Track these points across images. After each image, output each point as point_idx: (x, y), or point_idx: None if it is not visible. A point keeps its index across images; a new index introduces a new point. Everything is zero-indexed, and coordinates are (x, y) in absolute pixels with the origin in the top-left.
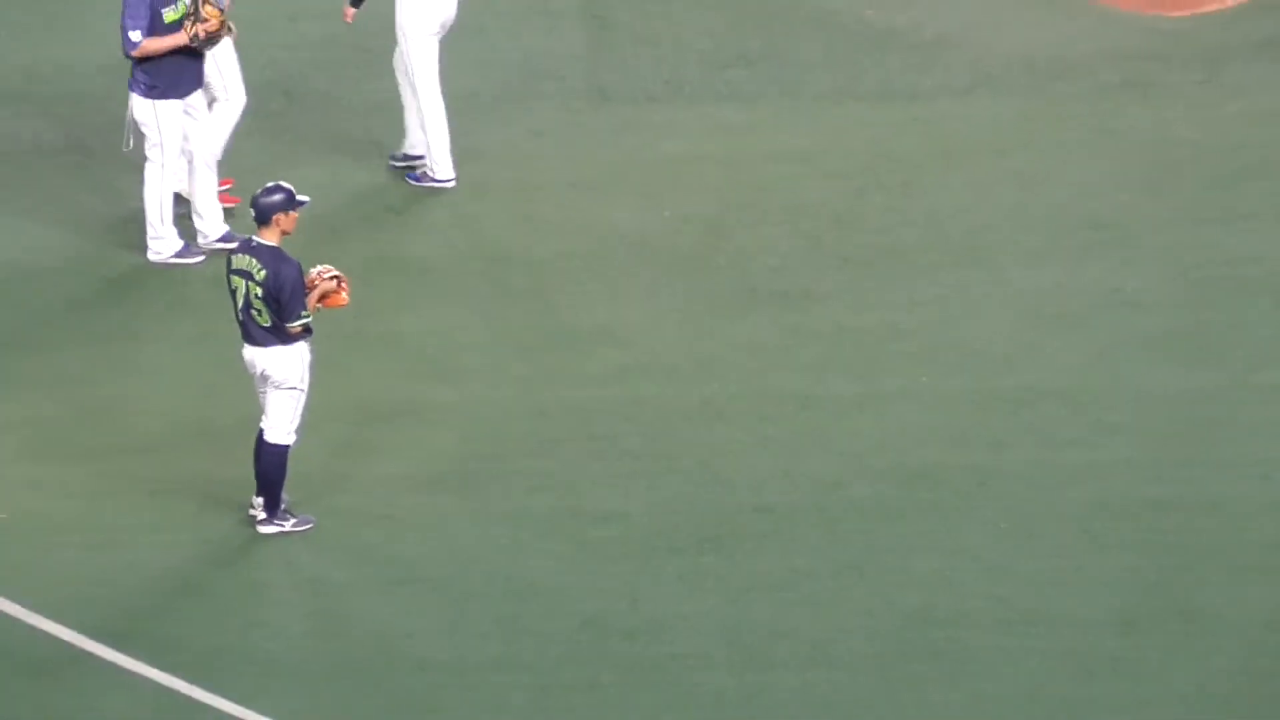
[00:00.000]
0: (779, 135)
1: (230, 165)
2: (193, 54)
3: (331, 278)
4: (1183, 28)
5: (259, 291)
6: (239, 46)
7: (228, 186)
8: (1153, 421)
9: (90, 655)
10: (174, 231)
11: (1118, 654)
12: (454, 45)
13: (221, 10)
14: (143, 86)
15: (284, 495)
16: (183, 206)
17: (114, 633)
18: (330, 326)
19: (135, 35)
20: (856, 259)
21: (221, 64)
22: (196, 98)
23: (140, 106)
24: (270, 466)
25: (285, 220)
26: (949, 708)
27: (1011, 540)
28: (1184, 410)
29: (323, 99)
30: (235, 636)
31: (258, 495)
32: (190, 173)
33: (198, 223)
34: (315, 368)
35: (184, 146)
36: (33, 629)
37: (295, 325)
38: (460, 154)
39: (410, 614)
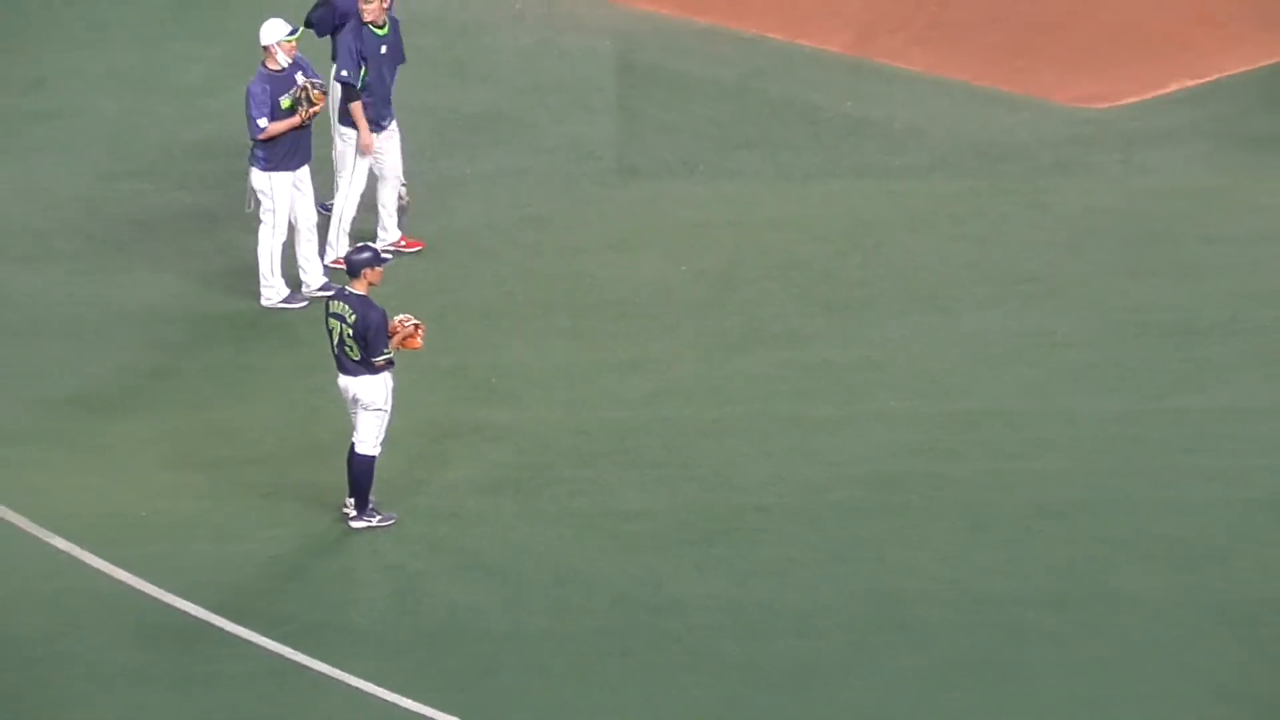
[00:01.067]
0: (775, 206)
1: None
2: (299, 134)
3: (412, 325)
4: (1103, 118)
5: (350, 331)
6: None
7: (418, 248)
8: (1080, 439)
9: (214, 627)
10: (282, 281)
11: (1051, 628)
12: (511, 133)
13: (325, 93)
14: (262, 161)
15: (371, 497)
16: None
17: (233, 609)
18: (410, 360)
19: (262, 122)
20: (838, 306)
21: (379, 164)
22: (304, 172)
23: (258, 178)
24: (360, 473)
25: (372, 274)
26: (914, 671)
27: (965, 534)
28: (1105, 430)
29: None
30: (331, 612)
31: (350, 497)
32: (296, 233)
33: (302, 275)
34: (397, 393)
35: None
36: (168, 606)
37: (379, 360)
38: (519, 220)
39: (474, 594)
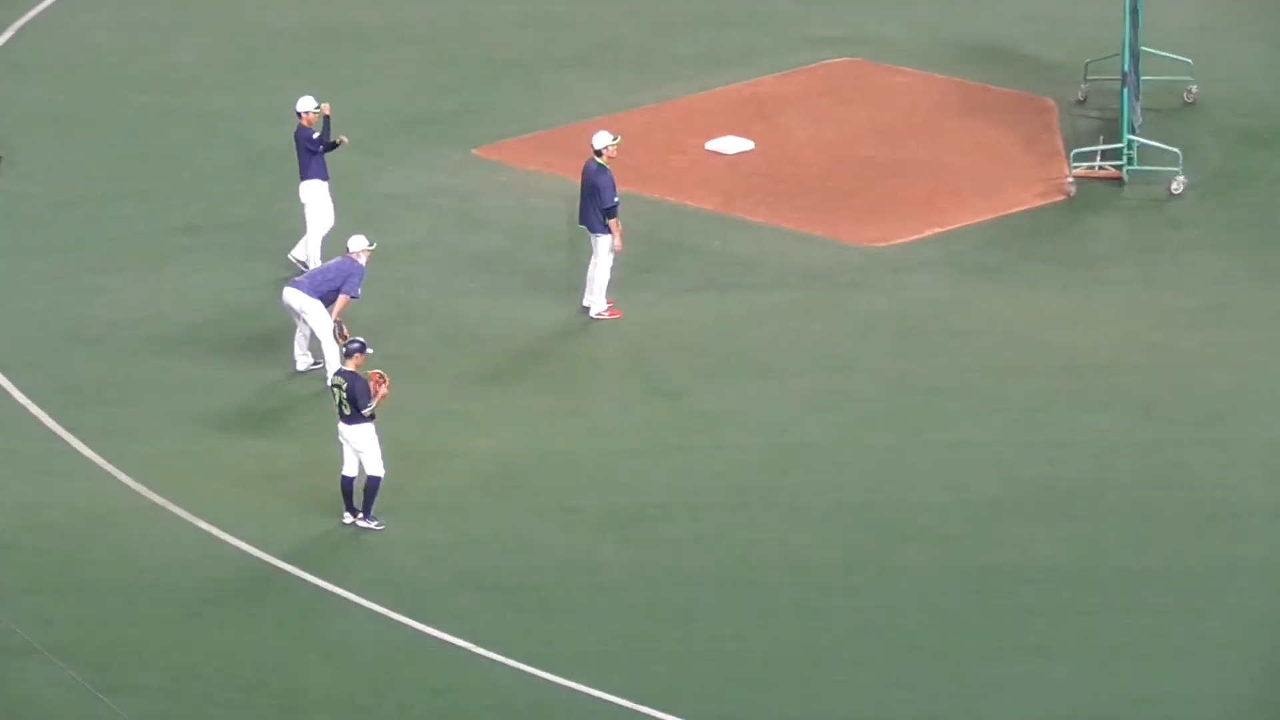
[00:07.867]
0: (669, 309)
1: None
2: None
3: (378, 379)
4: (881, 252)
5: (345, 396)
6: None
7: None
8: (864, 461)
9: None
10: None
11: (842, 583)
12: (499, 262)
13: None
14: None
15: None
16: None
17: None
18: (452, 408)
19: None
20: (708, 373)
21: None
22: None
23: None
24: (373, 489)
25: (359, 358)
26: (756, 605)
27: (789, 519)
28: (880, 454)
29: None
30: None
31: (357, 508)
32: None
33: (326, 366)
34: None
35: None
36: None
37: (366, 410)
38: (504, 319)
39: (477, 558)
